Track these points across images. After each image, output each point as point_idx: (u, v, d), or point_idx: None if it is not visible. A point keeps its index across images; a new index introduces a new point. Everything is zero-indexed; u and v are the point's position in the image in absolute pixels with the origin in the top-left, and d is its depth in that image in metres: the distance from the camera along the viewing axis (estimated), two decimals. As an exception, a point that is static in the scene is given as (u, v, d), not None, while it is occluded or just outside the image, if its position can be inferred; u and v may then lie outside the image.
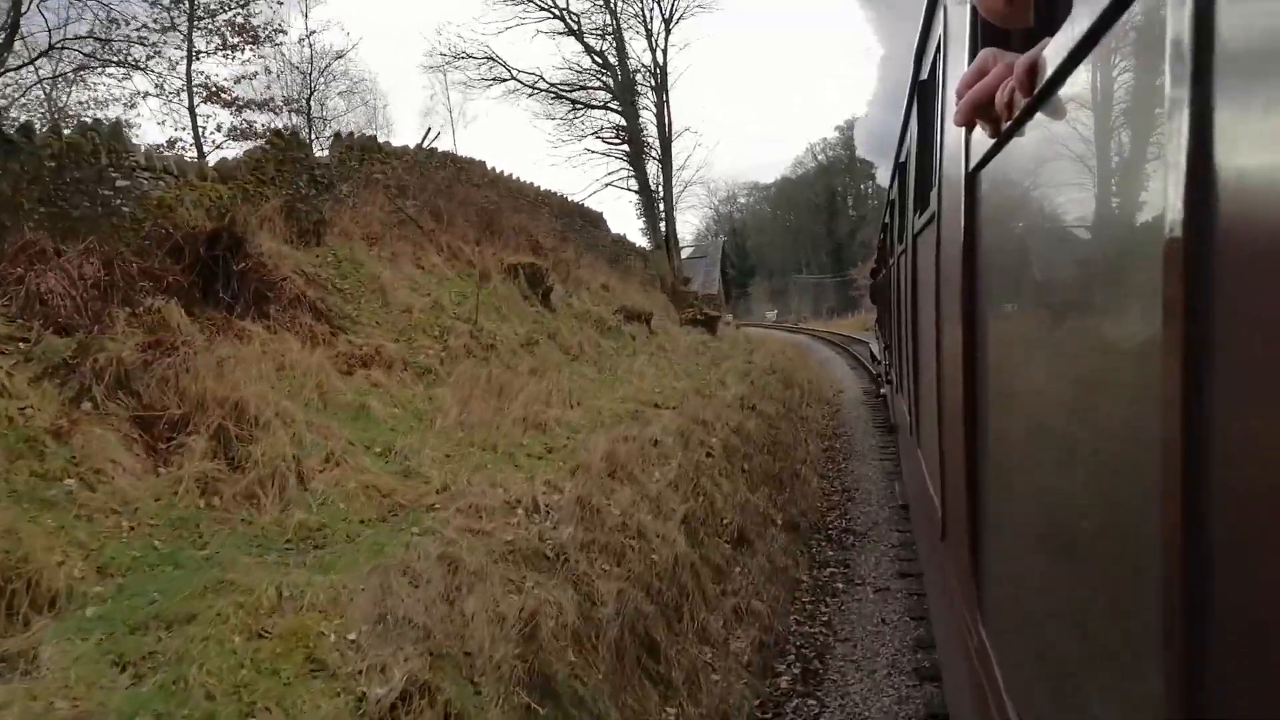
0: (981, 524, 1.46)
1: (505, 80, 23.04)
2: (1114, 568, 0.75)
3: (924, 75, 2.49)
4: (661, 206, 23.90)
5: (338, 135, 11.08)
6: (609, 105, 23.24)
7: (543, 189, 17.54)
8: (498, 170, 16.10)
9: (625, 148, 23.38)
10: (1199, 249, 0.48)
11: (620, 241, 21.83)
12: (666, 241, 23.51)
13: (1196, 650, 0.50)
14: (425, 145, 13.40)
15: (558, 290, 12.06)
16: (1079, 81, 0.75)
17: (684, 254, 36.03)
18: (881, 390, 11.86)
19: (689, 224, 78.37)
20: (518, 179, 16.58)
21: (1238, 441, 0.45)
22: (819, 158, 73.77)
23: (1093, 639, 0.83)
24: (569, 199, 19.13)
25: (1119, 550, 0.73)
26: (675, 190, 24.66)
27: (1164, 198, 0.52)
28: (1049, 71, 0.78)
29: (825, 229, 69.99)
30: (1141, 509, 0.60)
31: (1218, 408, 0.47)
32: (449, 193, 11.91)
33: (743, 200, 77.43)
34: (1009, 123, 0.96)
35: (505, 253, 11.71)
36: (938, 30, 2.10)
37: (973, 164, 1.32)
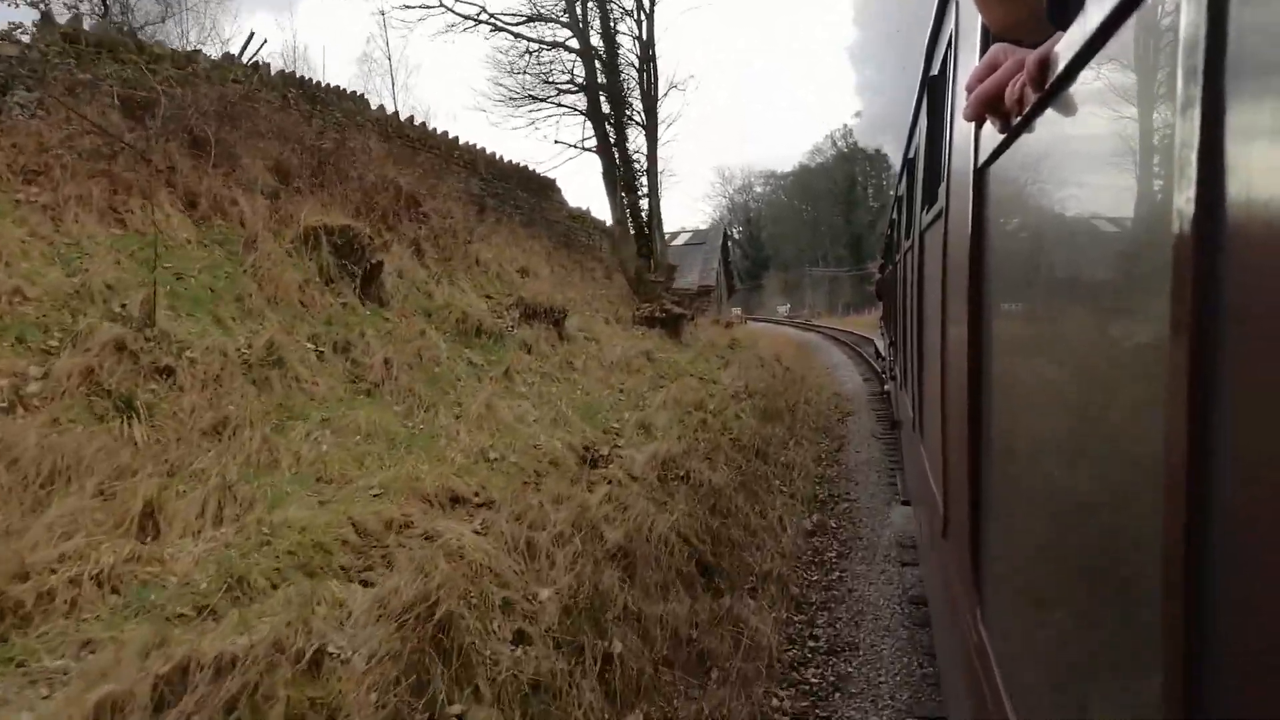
0: (984, 521, 1.45)
1: (433, 8, 18.30)
2: (1118, 568, 0.74)
3: (934, 71, 2.59)
4: (645, 180, 18.59)
5: (45, 17, 6.88)
6: (564, 44, 17.75)
7: (464, 142, 13.42)
8: (390, 111, 11.97)
9: (581, 95, 17.89)
10: (1210, 248, 0.47)
11: (580, 218, 18.08)
12: (649, 221, 18.57)
13: (1198, 654, 0.50)
14: (248, 59, 9.21)
15: (415, 273, 7.84)
16: (1090, 77, 0.75)
17: (680, 240, 29.81)
18: (885, 387, 10.68)
19: (702, 212, 73.49)
20: (424, 125, 12.50)
21: (1246, 443, 0.45)
22: (838, 144, 69.91)
23: (1095, 639, 0.83)
24: (506, 160, 14.98)
25: (1123, 551, 0.73)
26: (660, 158, 19.96)
27: (1175, 196, 0.51)
28: (1060, 67, 0.78)
29: (844, 219, 65.58)
30: (1147, 510, 0.59)
31: (1226, 409, 0.47)
32: (237, 118, 7.69)
33: (759, 190, 73.37)
34: (1019, 118, 0.98)
35: (319, 211, 7.46)
36: (949, 26, 2.08)
37: (981, 159, 1.33)
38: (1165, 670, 0.54)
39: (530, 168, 16.27)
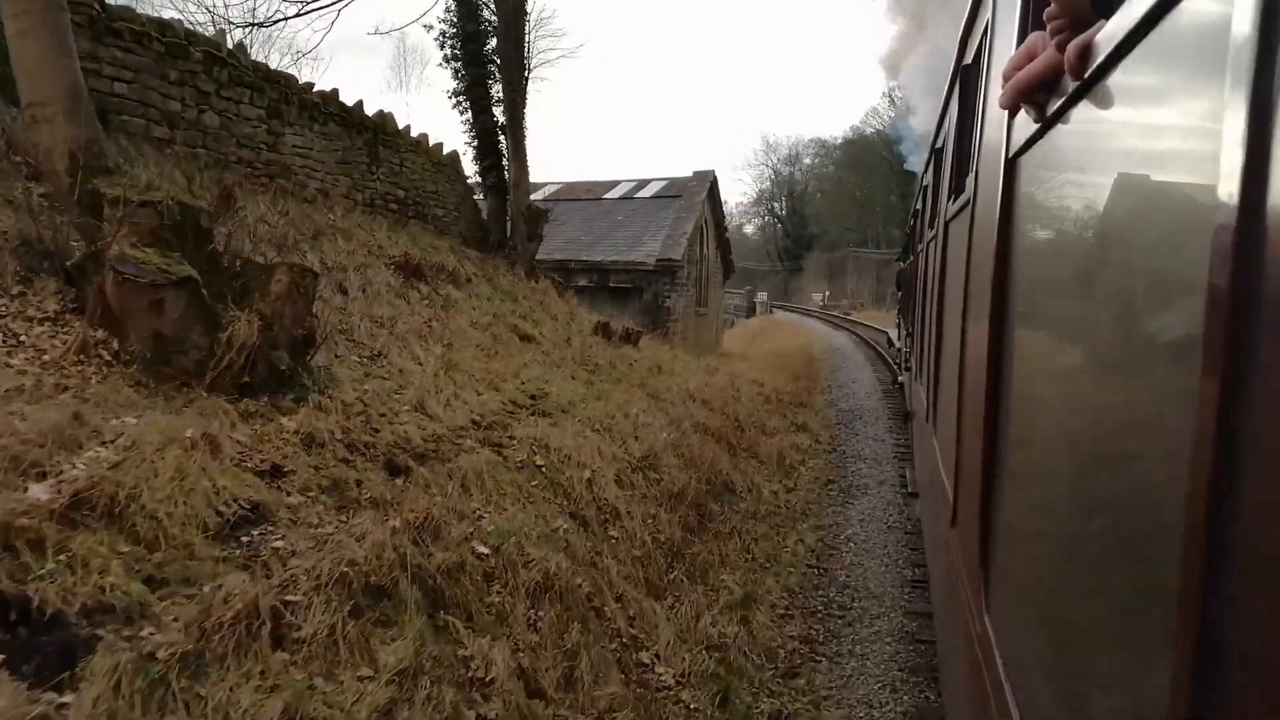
0: (994, 512, 1.46)
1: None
2: (1129, 564, 0.74)
3: (968, 59, 2.58)
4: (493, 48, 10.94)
5: None
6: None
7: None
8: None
9: None
10: (1250, 251, 0.46)
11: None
12: (507, 124, 10.91)
13: (1209, 650, 0.50)
14: None
15: None
16: (1131, 69, 0.73)
17: (649, 190, 19.22)
18: (900, 378, 10.46)
19: (741, 182, 57.52)
20: None
21: (1271, 447, 0.45)
22: (897, 103, 54.47)
23: (1100, 633, 0.82)
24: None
25: (1134, 547, 0.72)
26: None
27: (1214, 194, 0.50)
28: (1101, 56, 0.76)
29: (898, 194, 51.24)
30: (1163, 509, 0.59)
31: (1255, 411, 0.46)
32: None
33: (808, 161, 65.74)
34: (1054, 108, 0.96)
35: None
36: (985, 14, 2.07)
37: (1014, 149, 1.31)
38: (1174, 666, 0.53)
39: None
